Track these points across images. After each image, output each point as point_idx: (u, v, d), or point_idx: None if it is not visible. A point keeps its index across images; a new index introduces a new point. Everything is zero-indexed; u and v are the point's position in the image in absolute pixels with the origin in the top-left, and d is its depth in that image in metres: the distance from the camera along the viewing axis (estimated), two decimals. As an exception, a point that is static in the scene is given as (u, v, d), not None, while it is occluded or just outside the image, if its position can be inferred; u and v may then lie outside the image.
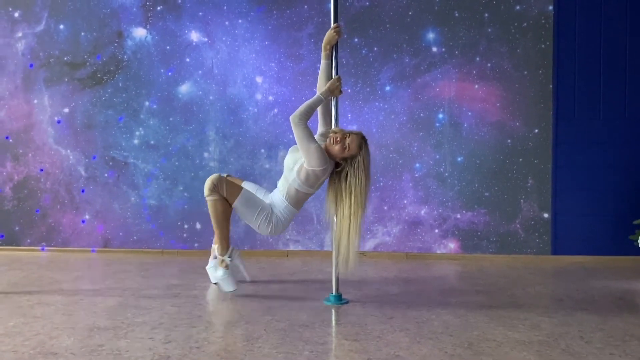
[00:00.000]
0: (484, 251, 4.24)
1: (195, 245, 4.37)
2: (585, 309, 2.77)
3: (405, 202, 4.28)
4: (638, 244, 3.87)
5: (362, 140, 2.91)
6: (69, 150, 4.45)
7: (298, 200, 3.00)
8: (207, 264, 3.36)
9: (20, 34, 4.46)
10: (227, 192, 2.96)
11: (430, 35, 4.25)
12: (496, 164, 4.22)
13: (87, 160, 4.44)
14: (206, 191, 2.97)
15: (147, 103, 4.39)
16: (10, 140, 4.48)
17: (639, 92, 4.16)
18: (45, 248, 4.44)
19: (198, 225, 4.38)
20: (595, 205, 4.18)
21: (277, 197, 3.03)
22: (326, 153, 2.88)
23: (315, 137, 2.98)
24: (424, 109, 4.25)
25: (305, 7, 4.29)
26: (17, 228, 4.48)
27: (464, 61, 4.23)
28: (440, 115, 4.25)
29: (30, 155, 4.47)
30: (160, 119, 4.39)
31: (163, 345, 2.18)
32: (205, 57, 4.37)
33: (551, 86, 4.18)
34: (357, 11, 4.28)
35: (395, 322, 2.52)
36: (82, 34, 4.42)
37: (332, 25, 2.94)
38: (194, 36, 4.37)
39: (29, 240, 4.47)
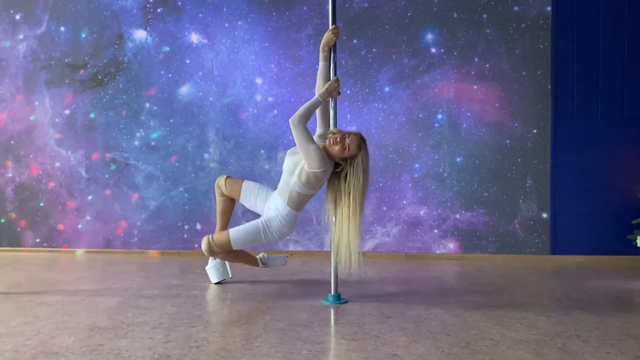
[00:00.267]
0: (483, 251, 4.25)
1: (196, 245, 4.39)
2: (582, 308, 2.79)
3: (404, 202, 4.30)
4: (637, 243, 3.88)
5: (362, 141, 2.93)
6: (70, 152, 4.47)
7: (300, 203, 3.04)
8: (207, 264, 3.40)
9: (21, 36, 4.49)
10: (229, 192, 3.28)
11: (429, 36, 4.27)
12: (495, 164, 4.24)
13: (88, 161, 4.47)
14: (216, 191, 3.35)
15: (147, 104, 4.42)
16: (12, 142, 4.50)
17: (637, 92, 4.18)
18: (46, 248, 4.47)
19: (198, 226, 4.40)
20: (594, 205, 4.20)
21: (279, 203, 3.05)
22: (325, 154, 2.90)
23: (314, 138, 3.00)
24: (423, 109, 4.27)
25: (305, 8, 4.32)
26: (18, 229, 4.50)
27: (462, 62, 4.24)
28: (439, 116, 4.27)
29: (31, 156, 4.50)
30: (161, 121, 4.42)
31: (163, 344, 2.20)
32: (205, 58, 4.39)
33: (549, 86, 4.19)
34: (356, 12, 4.30)
35: (394, 322, 2.53)
36: (83, 36, 4.45)
37: (330, 26, 2.96)
38: (194, 38, 4.40)
39: (30, 241, 4.50)
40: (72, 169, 4.48)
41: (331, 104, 2.99)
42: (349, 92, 4.29)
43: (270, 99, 4.35)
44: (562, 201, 4.21)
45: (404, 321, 2.55)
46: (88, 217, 4.47)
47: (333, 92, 2.93)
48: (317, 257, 4.24)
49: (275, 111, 4.35)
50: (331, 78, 2.96)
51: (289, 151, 3.11)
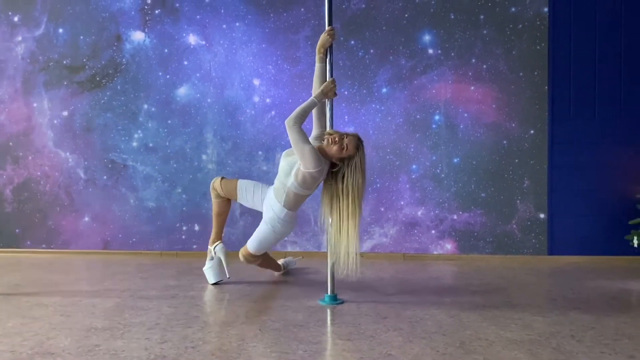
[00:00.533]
0: (480, 252, 4.26)
1: (194, 246, 4.40)
2: (578, 309, 2.80)
3: (402, 203, 4.31)
4: (634, 244, 3.89)
5: (359, 142, 2.95)
6: (68, 153, 4.49)
7: (296, 203, 3.08)
8: (204, 265, 3.41)
9: (19, 38, 4.50)
10: (225, 192, 3.34)
11: (426, 37, 4.28)
12: (492, 164, 4.25)
13: (86, 162, 4.48)
14: (212, 193, 3.43)
15: (145, 106, 4.43)
16: (10, 144, 4.52)
17: (633, 93, 4.19)
18: (46, 250, 4.48)
19: (196, 227, 4.41)
20: (591, 206, 4.21)
21: (275, 205, 3.09)
22: (322, 154, 2.92)
23: (310, 139, 3.02)
24: (420, 110, 4.28)
25: (302, 10, 4.33)
26: (17, 230, 4.51)
27: (459, 63, 4.26)
28: (437, 117, 4.28)
29: (30, 158, 4.51)
30: (159, 122, 4.43)
31: (159, 345, 2.21)
32: (202, 60, 4.40)
33: (546, 87, 4.20)
34: (353, 13, 4.31)
35: (389, 322, 2.54)
36: (81, 37, 4.47)
37: (327, 28, 2.97)
38: (192, 39, 4.41)
39: (28, 243, 4.51)
40: (70, 170, 4.49)
41: (328, 105, 3.00)
42: (346, 93, 4.30)
43: (267, 100, 4.37)
44: (559, 202, 4.22)
45: (399, 321, 2.56)
46: (86, 219, 4.48)
47: (329, 94, 2.94)
48: (314, 258, 4.25)
49: (273, 112, 4.36)
50: (327, 79, 2.98)
51: (284, 152, 3.13)
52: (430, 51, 4.28)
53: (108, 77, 4.46)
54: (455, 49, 4.26)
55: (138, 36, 4.44)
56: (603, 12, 4.19)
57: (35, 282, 3.41)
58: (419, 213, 4.30)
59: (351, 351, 2.15)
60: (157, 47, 4.42)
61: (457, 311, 2.74)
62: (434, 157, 4.28)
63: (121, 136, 4.46)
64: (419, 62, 4.29)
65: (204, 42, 4.40)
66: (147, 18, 4.43)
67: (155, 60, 4.42)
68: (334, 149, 2.89)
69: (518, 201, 4.23)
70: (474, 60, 4.25)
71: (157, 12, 4.42)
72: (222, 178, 3.36)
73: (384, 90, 4.30)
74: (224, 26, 4.39)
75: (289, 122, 2.85)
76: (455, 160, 4.27)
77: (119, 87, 4.45)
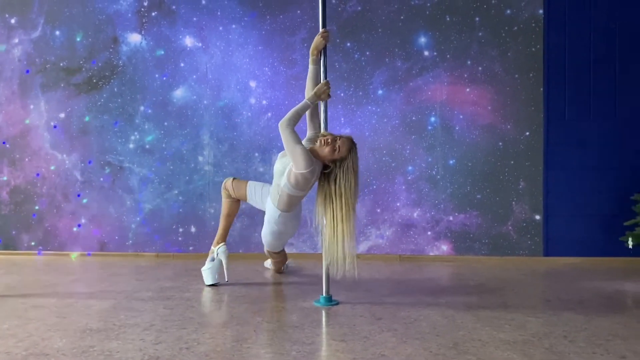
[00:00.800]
0: (476, 253, 4.27)
1: (190, 248, 4.41)
2: (572, 309, 2.81)
3: (398, 204, 4.32)
4: (629, 245, 3.90)
5: (352, 144, 2.97)
6: (65, 155, 4.49)
7: (290, 204, 3.11)
8: (203, 265, 3.42)
9: (16, 40, 4.51)
10: (236, 193, 3.40)
11: (422, 40, 4.30)
12: (488, 166, 4.26)
13: (83, 164, 4.48)
14: (222, 193, 3.48)
15: (142, 108, 4.44)
16: (7, 146, 4.52)
17: (628, 94, 4.21)
18: (42, 252, 4.48)
19: (193, 229, 4.42)
20: (587, 207, 4.22)
21: (270, 207, 3.18)
22: (315, 155, 2.94)
23: (303, 141, 3.04)
24: (416, 112, 4.30)
25: (298, 12, 4.34)
26: (14, 232, 4.52)
27: (455, 65, 4.27)
28: (432, 119, 4.29)
29: (26, 160, 4.52)
30: (155, 124, 4.44)
31: (153, 346, 2.21)
32: (199, 62, 4.41)
33: (542, 89, 4.22)
34: (349, 16, 4.32)
35: (384, 323, 2.55)
36: (78, 39, 4.48)
37: (320, 30, 2.98)
38: (188, 41, 4.42)
39: (25, 244, 4.51)
40: (67, 172, 4.49)
41: (322, 107, 3.01)
42: (342, 95, 4.31)
43: (264, 102, 4.38)
44: (555, 203, 4.23)
45: (394, 322, 2.56)
46: (83, 220, 4.48)
47: (322, 96, 2.95)
48: (311, 259, 4.25)
49: (269, 114, 4.37)
50: (321, 81, 2.99)
51: (280, 154, 3.16)
52: (426, 53, 4.30)
53: (105, 79, 4.47)
54: (451, 51, 4.28)
55: (135, 38, 4.45)
56: (598, 14, 4.21)
57: (31, 284, 3.42)
58: (415, 214, 4.31)
59: (345, 352, 2.16)
60: (154, 49, 4.43)
61: (452, 312, 2.75)
62: (429, 159, 4.30)
63: (117, 138, 4.46)
64: (415, 64, 4.30)
65: (200, 44, 4.41)
66: (144, 20, 4.44)
67: (151, 62, 4.43)
68: (326, 150, 2.91)
69: (514, 203, 4.25)
70: (469, 62, 4.26)
71: (153, 14, 4.43)
72: (234, 179, 3.43)
73: (380, 92, 4.32)
74: (221, 28, 4.40)
75: (282, 124, 2.89)
76: (451, 161, 4.28)
77: (115, 89, 4.46)
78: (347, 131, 4.22)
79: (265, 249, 3.47)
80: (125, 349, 2.17)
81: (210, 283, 3.34)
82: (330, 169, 2.95)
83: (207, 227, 4.38)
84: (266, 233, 3.30)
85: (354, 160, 2.93)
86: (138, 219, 4.45)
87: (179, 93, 4.42)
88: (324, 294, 2.93)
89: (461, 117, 4.28)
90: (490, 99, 4.26)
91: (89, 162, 4.47)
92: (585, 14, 4.21)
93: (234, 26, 4.39)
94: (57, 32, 4.48)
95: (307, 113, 3.15)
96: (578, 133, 4.23)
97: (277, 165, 3.10)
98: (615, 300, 3.04)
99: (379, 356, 2.10)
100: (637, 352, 2.16)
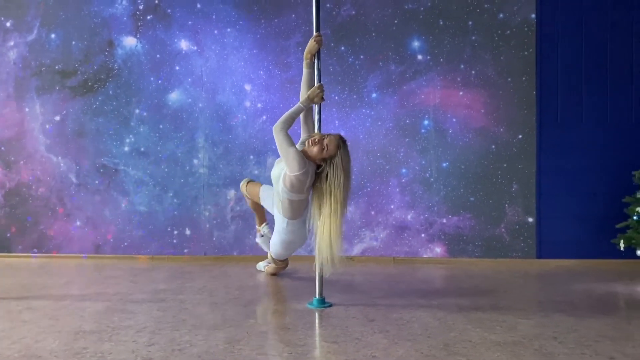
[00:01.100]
0: (469, 255, 4.30)
1: (185, 251, 4.42)
2: (563, 311, 2.83)
3: (392, 207, 4.34)
4: (620, 247, 3.93)
5: (340, 141, 2.98)
6: (60, 158, 4.50)
7: (294, 211, 3.12)
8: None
9: (12, 43, 4.52)
10: (251, 196, 3.57)
11: (416, 44, 4.33)
12: (481, 169, 4.29)
13: (78, 167, 4.49)
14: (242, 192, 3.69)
15: (137, 111, 4.45)
16: (2, 148, 4.53)
17: (620, 98, 4.25)
18: (37, 254, 4.49)
19: (187, 232, 4.43)
20: (579, 210, 4.25)
21: (277, 216, 3.26)
22: (307, 156, 2.96)
23: (297, 144, 3.07)
24: (410, 115, 4.33)
25: (293, 16, 4.37)
26: (8, 235, 4.52)
27: (448, 68, 4.30)
28: (426, 122, 4.32)
29: (21, 162, 4.52)
30: (150, 126, 4.45)
31: (146, 347, 2.23)
32: (194, 65, 4.43)
33: (534, 92, 4.25)
34: (343, 20, 4.35)
35: (376, 325, 2.57)
36: (73, 42, 4.49)
37: (314, 34, 3.00)
38: (184, 45, 4.44)
39: (20, 247, 4.51)
40: (62, 174, 4.50)
41: (316, 110, 3.03)
42: (336, 98, 4.34)
43: (259, 105, 4.40)
44: (548, 205, 4.26)
45: (386, 324, 2.58)
46: (78, 223, 4.49)
47: (315, 99, 2.98)
48: (306, 261, 4.26)
49: (264, 117, 4.39)
50: (315, 84, 3.01)
51: (276, 160, 3.21)
52: (420, 57, 4.32)
53: (100, 82, 4.48)
54: (444, 54, 4.31)
55: (130, 41, 4.46)
56: (590, 18, 4.24)
57: (25, 286, 3.42)
58: (409, 217, 4.33)
59: (336, 353, 2.18)
60: (149, 53, 4.45)
61: (444, 314, 2.77)
62: (423, 162, 4.32)
63: (113, 141, 4.47)
64: (409, 67, 4.33)
65: (195, 48, 4.43)
66: (139, 24, 4.46)
67: (147, 66, 4.45)
68: (315, 150, 2.93)
69: (507, 205, 4.27)
70: (462, 66, 4.30)
71: (149, 17, 4.45)
72: (249, 182, 3.54)
73: (374, 95, 4.34)
74: (216, 32, 4.43)
75: (275, 127, 2.93)
76: (445, 164, 4.31)
77: (110, 92, 4.47)
78: (341, 134, 4.23)
79: (271, 255, 3.54)
80: (118, 351, 2.19)
81: (267, 250, 3.69)
82: (322, 168, 2.97)
83: (201, 229, 4.40)
84: (276, 242, 3.33)
85: (343, 156, 2.94)
86: (133, 221, 4.46)
87: (174, 96, 4.44)
88: (317, 296, 2.95)
89: (454, 120, 4.30)
90: (483, 102, 4.29)
91: (83, 165, 4.47)
92: (577, 17, 4.25)
93: (229, 30, 4.42)
94: (53, 35, 4.50)
95: (301, 116, 3.17)
96: (570, 136, 4.26)
97: (274, 171, 3.14)
98: (606, 302, 3.07)
99: (370, 357, 2.12)
100: (626, 353, 2.18)
